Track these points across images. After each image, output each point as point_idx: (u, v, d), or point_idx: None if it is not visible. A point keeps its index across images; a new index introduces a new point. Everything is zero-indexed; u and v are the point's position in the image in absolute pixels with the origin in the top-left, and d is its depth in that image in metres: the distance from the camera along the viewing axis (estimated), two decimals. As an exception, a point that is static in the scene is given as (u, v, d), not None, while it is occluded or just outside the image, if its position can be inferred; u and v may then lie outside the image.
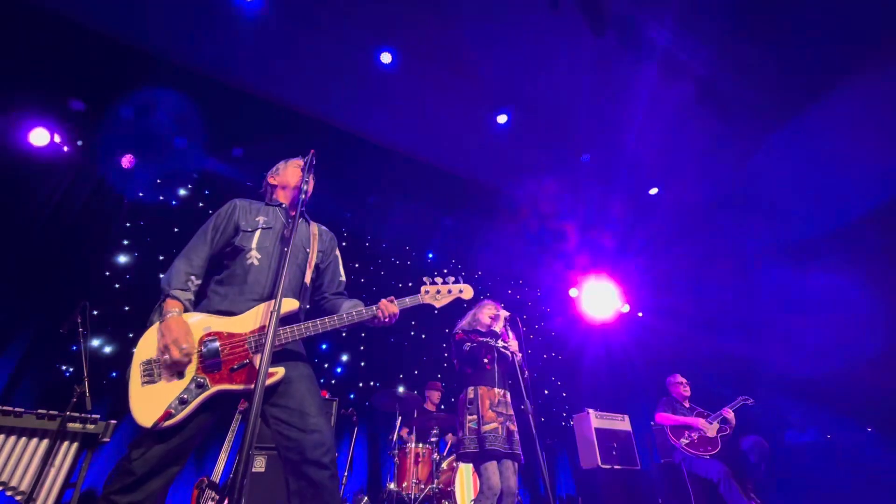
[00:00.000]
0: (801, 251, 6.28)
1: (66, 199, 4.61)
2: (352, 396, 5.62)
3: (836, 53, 4.93)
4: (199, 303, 1.78)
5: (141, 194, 5.19)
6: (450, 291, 1.98)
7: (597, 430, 4.57)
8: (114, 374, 4.40)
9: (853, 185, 5.80)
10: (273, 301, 1.47)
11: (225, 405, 1.67)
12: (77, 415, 2.60)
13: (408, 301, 1.93)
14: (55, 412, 2.58)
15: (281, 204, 2.05)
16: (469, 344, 2.98)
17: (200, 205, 5.55)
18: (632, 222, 7.76)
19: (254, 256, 1.79)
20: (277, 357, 1.67)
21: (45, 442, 2.53)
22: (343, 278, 2.12)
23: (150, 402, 1.50)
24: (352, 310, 1.85)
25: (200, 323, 1.65)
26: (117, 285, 4.71)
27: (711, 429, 3.99)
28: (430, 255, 7.21)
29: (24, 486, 2.43)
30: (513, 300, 7.85)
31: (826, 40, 4.75)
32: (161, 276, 4.87)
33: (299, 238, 1.95)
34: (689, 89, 5.51)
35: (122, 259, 4.82)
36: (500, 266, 7.70)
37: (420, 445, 4.10)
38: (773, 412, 5.38)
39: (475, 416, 2.80)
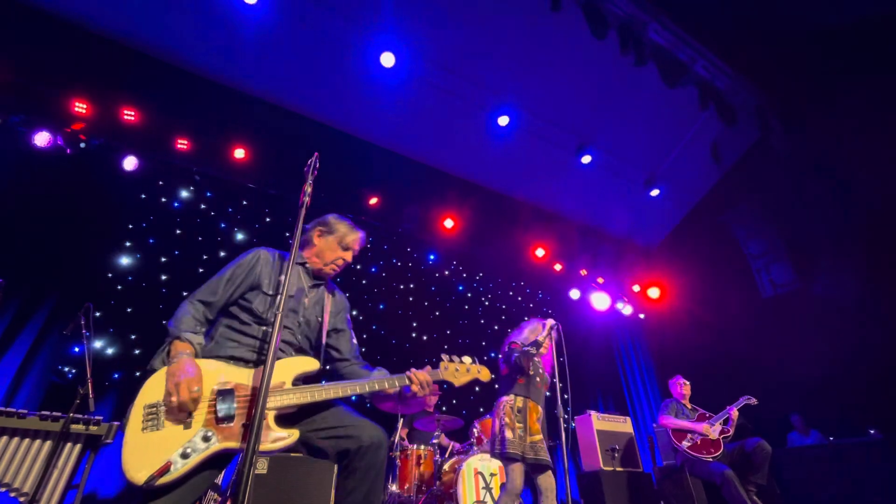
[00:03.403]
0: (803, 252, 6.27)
1: (69, 201, 4.63)
2: (353, 398, 5.62)
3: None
4: (207, 345, 1.67)
5: (143, 196, 5.21)
6: (468, 370, 1.93)
7: (598, 432, 4.56)
8: (116, 375, 4.41)
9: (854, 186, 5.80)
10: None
11: (224, 464, 1.54)
12: (80, 416, 2.61)
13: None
14: (58, 414, 2.58)
15: (305, 264, 1.96)
16: (517, 355, 3.12)
17: (202, 207, 5.57)
18: (632, 222, 7.76)
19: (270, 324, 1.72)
20: (292, 416, 1.60)
21: (49, 443, 2.54)
22: (356, 342, 2.06)
23: (148, 452, 1.34)
24: (383, 379, 1.76)
25: (216, 372, 1.54)
26: (120, 287, 4.72)
27: (714, 431, 3.98)
28: (432, 257, 7.21)
29: (27, 488, 2.43)
30: (514, 301, 7.85)
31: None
32: (163, 277, 4.87)
33: (315, 306, 1.91)
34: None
35: (125, 261, 4.83)
36: (501, 267, 7.69)
37: (422, 447, 4.10)
38: (776, 414, 5.37)
39: (522, 425, 2.98)
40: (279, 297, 1.42)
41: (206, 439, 1.41)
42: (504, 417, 3.02)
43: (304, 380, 1.66)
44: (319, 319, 1.89)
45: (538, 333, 3.25)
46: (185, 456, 1.36)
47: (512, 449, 2.88)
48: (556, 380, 3.05)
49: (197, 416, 1.43)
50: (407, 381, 1.75)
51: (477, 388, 6.58)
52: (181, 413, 1.41)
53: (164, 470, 1.32)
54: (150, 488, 1.31)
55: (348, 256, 1.99)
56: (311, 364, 1.67)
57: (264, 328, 1.70)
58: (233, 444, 1.44)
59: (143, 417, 1.40)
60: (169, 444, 1.37)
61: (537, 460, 2.89)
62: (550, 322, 3.22)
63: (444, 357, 1.91)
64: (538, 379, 3.17)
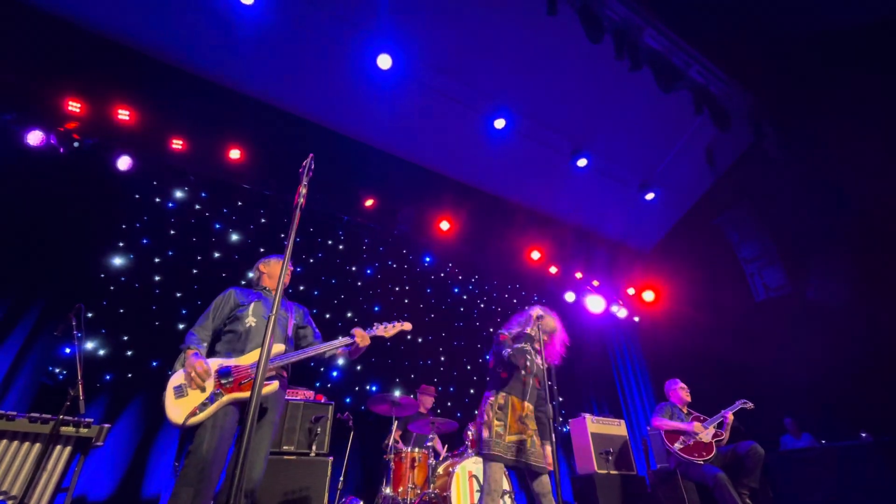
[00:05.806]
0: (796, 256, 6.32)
1: (62, 201, 4.58)
2: (347, 400, 5.60)
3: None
4: (212, 357, 2.40)
5: (137, 196, 5.17)
6: (394, 326, 2.92)
7: (593, 434, 4.56)
8: (108, 377, 4.36)
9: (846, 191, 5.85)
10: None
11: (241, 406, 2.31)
12: (70, 419, 2.59)
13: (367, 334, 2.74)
14: (48, 416, 2.56)
15: (265, 288, 2.80)
16: (509, 351, 2.96)
17: (197, 207, 5.54)
18: (627, 226, 7.80)
19: (251, 321, 2.51)
20: (271, 379, 2.38)
21: (38, 446, 2.52)
22: (318, 332, 2.87)
23: (181, 408, 2.14)
24: (334, 342, 2.62)
25: (215, 362, 2.32)
26: (112, 287, 4.68)
27: (706, 434, 4.00)
28: (427, 259, 7.21)
29: (15, 491, 2.41)
30: (509, 304, 7.86)
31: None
32: (157, 278, 4.95)
33: (282, 309, 2.65)
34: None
35: (118, 261, 4.79)
36: (497, 270, 7.70)
37: (416, 450, 4.08)
38: (768, 417, 5.40)
39: (503, 423, 2.83)
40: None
41: (216, 395, 2.22)
42: (484, 415, 2.90)
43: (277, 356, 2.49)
44: (286, 322, 2.70)
45: (526, 325, 3.10)
46: (204, 406, 2.17)
47: (487, 449, 2.77)
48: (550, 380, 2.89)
49: (208, 385, 2.23)
50: (349, 340, 2.62)
51: (472, 391, 6.57)
52: (199, 384, 2.20)
53: (192, 414, 2.13)
54: (186, 426, 2.11)
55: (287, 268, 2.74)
56: (280, 348, 2.49)
57: (247, 326, 2.50)
58: (235, 394, 2.25)
59: (174, 394, 2.18)
60: (193, 402, 2.17)
61: (516, 463, 2.76)
62: (536, 311, 3.05)
63: (375, 323, 2.87)
64: (523, 372, 2.97)
